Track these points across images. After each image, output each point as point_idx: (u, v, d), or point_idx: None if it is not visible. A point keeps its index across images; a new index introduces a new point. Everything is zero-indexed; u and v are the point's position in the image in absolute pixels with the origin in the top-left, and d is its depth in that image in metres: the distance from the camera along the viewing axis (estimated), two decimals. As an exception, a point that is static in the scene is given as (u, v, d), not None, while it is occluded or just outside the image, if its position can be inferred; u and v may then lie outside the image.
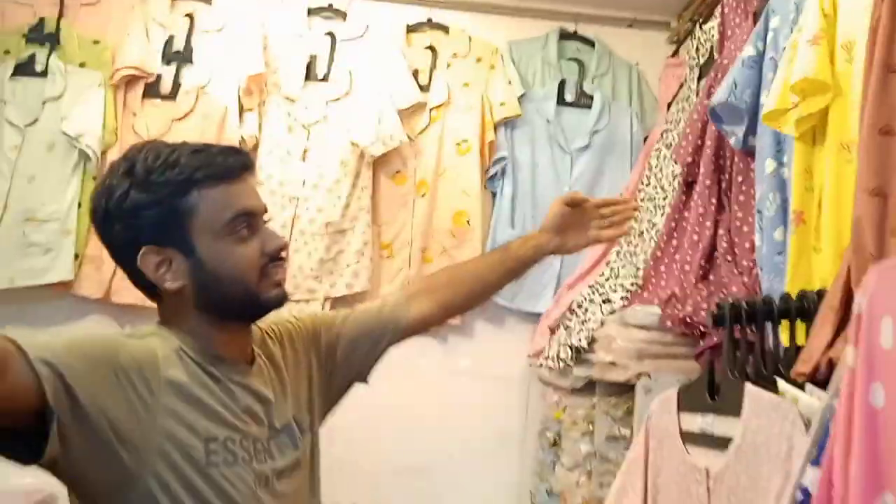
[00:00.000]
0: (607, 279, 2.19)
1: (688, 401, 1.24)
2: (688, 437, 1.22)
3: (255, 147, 2.57)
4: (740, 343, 1.21)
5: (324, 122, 2.58)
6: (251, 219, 1.03)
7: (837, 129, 1.36)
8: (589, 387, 1.87)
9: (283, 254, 1.07)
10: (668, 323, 1.51)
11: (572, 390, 1.98)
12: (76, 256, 2.41)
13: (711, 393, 1.17)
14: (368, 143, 2.52)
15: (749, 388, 1.06)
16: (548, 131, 2.65)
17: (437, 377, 2.60)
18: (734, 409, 1.09)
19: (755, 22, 1.86)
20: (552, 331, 2.23)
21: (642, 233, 2.23)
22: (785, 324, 1.18)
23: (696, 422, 1.20)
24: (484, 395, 2.59)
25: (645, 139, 2.65)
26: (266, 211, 1.07)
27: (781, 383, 1.05)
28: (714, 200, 1.82)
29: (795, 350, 1.12)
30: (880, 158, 1.11)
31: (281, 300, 1.06)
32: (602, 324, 1.74)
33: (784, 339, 1.18)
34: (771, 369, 1.12)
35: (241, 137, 2.53)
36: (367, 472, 2.47)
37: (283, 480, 1.03)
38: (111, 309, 2.44)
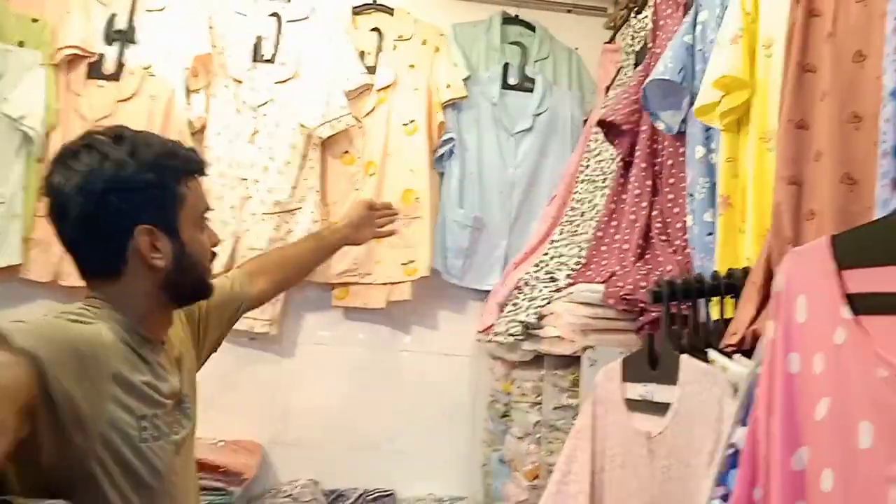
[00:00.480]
0: (552, 258, 2.30)
1: (631, 371, 1.35)
2: (631, 405, 1.34)
3: (203, 129, 2.58)
4: (676, 318, 1.33)
5: (271, 103, 2.60)
6: (208, 209, 1.18)
7: (758, 122, 1.49)
8: (536, 360, 1.99)
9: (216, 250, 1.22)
10: (610, 300, 1.62)
11: (521, 363, 2.10)
12: (24, 241, 2.39)
13: (652, 364, 1.29)
14: (316, 125, 2.56)
15: (683, 357, 1.18)
16: (493, 114, 2.73)
17: (388, 354, 2.69)
18: (672, 377, 1.21)
19: (685, 13, 1.99)
20: (501, 308, 2.34)
21: (584, 213, 2.35)
22: (715, 300, 1.30)
23: (638, 390, 1.32)
24: (434, 370, 2.69)
25: (585, 121, 2.77)
26: (202, 210, 1.18)
27: (712, 353, 1.17)
28: (649, 182, 1.94)
29: (724, 324, 1.24)
30: (796, 150, 1.23)
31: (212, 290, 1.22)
32: (549, 301, 1.85)
33: (714, 313, 1.31)
34: (703, 341, 1.24)
35: (189, 120, 2.53)
36: (324, 448, 2.55)
37: (184, 450, 1.14)
38: (58, 292, 2.42)
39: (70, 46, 2.48)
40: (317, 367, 2.62)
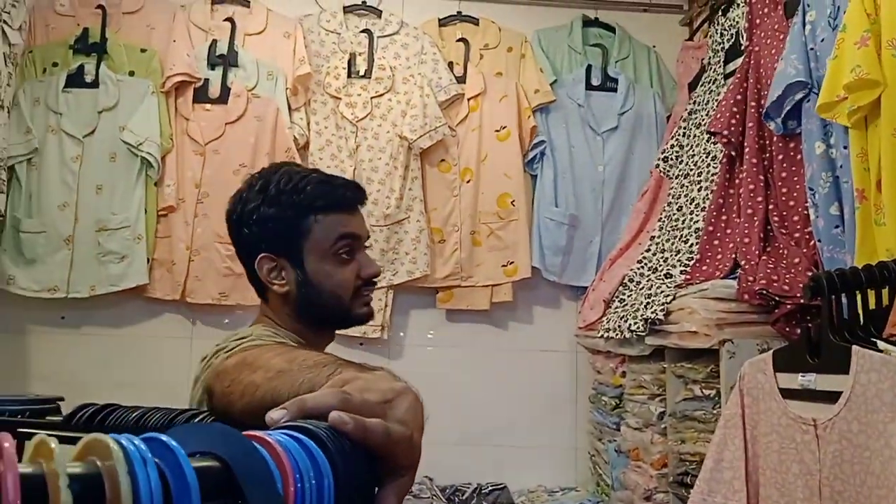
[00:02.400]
0: (654, 253, 2.38)
1: (785, 362, 1.43)
2: (787, 394, 1.42)
3: (306, 145, 2.69)
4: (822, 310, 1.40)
5: (370, 117, 2.70)
6: (353, 243, 1.20)
7: (890, 117, 1.55)
8: (654, 353, 2.07)
9: (376, 279, 1.26)
10: (745, 296, 1.70)
11: (634, 357, 2.18)
12: (148, 261, 2.52)
13: (811, 354, 1.37)
14: (416, 137, 2.66)
15: (856, 348, 1.25)
16: (579, 114, 2.81)
17: (491, 353, 2.79)
18: (839, 367, 1.29)
19: (785, 12, 2.05)
20: (606, 304, 2.42)
21: (681, 207, 2.42)
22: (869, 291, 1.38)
23: (796, 380, 1.40)
24: (534, 366, 2.79)
25: (668, 117, 2.84)
26: (368, 237, 1.26)
27: (881, 343, 1.25)
28: (762, 178, 2.01)
29: (883, 313, 1.32)
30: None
31: (367, 317, 1.25)
32: (673, 297, 1.93)
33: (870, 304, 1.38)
34: (864, 332, 1.31)
35: (294, 137, 2.64)
36: (436, 446, 2.63)
37: None
38: (184, 309, 2.56)
39: (177, 74, 2.61)
40: (424, 368, 2.73)
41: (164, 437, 0.44)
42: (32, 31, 2.65)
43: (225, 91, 2.65)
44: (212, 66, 2.68)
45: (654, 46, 2.97)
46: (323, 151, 2.69)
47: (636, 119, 2.83)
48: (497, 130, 2.76)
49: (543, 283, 2.79)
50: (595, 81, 2.86)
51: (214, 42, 2.69)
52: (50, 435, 0.43)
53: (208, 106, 2.65)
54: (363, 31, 2.78)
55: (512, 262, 2.70)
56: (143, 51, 2.65)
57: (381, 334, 2.63)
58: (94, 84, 2.58)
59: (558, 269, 2.71)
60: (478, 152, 2.75)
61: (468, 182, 2.74)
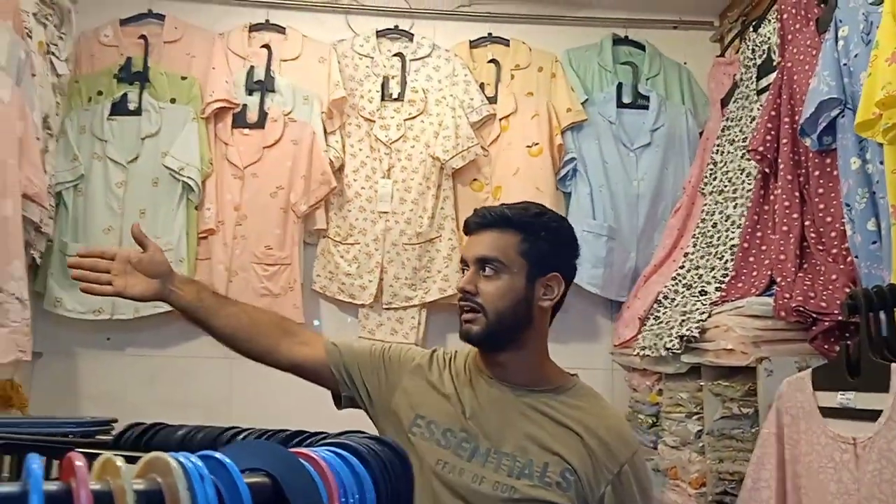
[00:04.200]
0: (688, 270, 2.37)
1: (823, 380, 1.42)
2: (826, 412, 1.41)
3: (342, 167, 2.74)
4: (858, 328, 1.39)
5: (403, 139, 2.75)
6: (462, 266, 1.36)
7: (925, 134, 1.54)
8: (690, 371, 2.06)
9: (462, 294, 1.31)
10: (781, 313, 1.69)
11: (671, 375, 2.17)
12: (190, 282, 2.59)
13: (850, 372, 1.35)
14: (448, 158, 2.69)
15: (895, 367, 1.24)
16: (612, 131, 2.82)
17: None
18: (878, 385, 1.28)
19: (817, 27, 2.04)
20: (641, 321, 2.41)
21: (716, 224, 2.41)
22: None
23: (835, 398, 1.38)
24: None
25: (700, 133, 2.83)
26: (464, 260, 1.34)
27: (921, 361, 1.24)
28: (797, 193, 2.00)
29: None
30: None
31: (461, 335, 1.33)
32: (709, 314, 1.92)
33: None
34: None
35: (330, 160, 2.69)
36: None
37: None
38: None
39: (217, 100, 2.68)
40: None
41: (218, 455, 0.46)
42: (78, 62, 2.75)
43: (262, 116, 2.72)
44: (249, 91, 2.75)
45: (684, 63, 2.98)
46: (357, 173, 2.74)
47: (668, 136, 2.83)
48: (529, 146, 2.77)
49: (577, 300, 2.78)
50: (626, 99, 2.87)
51: (252, 68, 2.77)
52: (94, 453, 0.46)
53: (246, 131, 2.72)
54: (396, 55, 2.84)
55: (545, 277, 2.70)
56: (183, 78, 2.73)
57: (416, 352, 2.66)
58: (138, 111, 2.67)
59: (600, 282, 2.70)
60: (509, 169, 2.77)
61: (498, 199, 2.76)
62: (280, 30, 2.83)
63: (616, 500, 1.23)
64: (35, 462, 0.38)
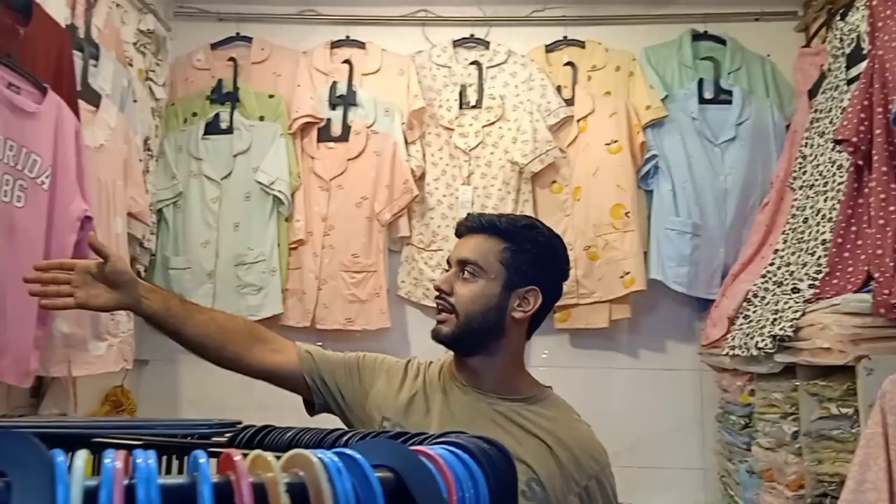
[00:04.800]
0: (779, 267, 2.31)
1: (929, 378, 1.37)
2: (933, 411, 1.36)
3: (423, 176, 2.81)
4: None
5: (482, 146, 2.79)
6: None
7: None
8: (784, 371, 2.01)
9: (437, 291, 1.33)
10: (881, 310, 1.64)
11: (763, 375, 2.12)
12: (282, 291, 2.71)
13: (958, 370, 1.31)
14: (527, 162, 2.72)
15: None
16: (694, 127, 2.77)
17: (612, 372, 2.79)
18: None
19: (910, 12, 1.96)
20: (731, 321, 2.37)
21: (807, 219, 2.34)
22: None
23: (942, 396, 1.34)
24: (657, 385, 2.76)
25: (787, 126, 2.75)
26: (450, 262, 1.35)
27: None
28: (893, 186, 1.93)
29: None
30: None
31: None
32: (803, 313, 1.88)
33: None
34: None
35: (411, 169, 2.76)
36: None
37: None
38: (314, 335, 2.73)
39: (302, 116, 2.79)
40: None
41: (350, 452, 0.51)
42: (174, 86, 2.92)
43: (346, 129, 2.81)
44: (333, 106, 2.85)
45: (768, 55, 2.90)
46: (438, 181, 2.80)
47: (754, 130, 2.76)
48: (608, 144, 2.77)
49: (664, 300, 2.76)
50: (708, 95, 2.82)
51: (334, 84, 2.86)
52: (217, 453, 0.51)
53: (331, 144, 2.81)
54: (472, 63, 2.88)
55: (628, 273, 2.68)
56: (270, 97, 2.86)
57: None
58: (229, 130, 2.81)
59: (685, 280, 2.66)
60: (588, 169, 2.77)
61: (579, 201, 2.77)
62: (360, 45, 2.92)
63: None
64: (202, 456, 0.44)
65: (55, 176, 1.94)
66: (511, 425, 1.27)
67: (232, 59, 2.91)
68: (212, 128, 2.82)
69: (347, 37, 2.94)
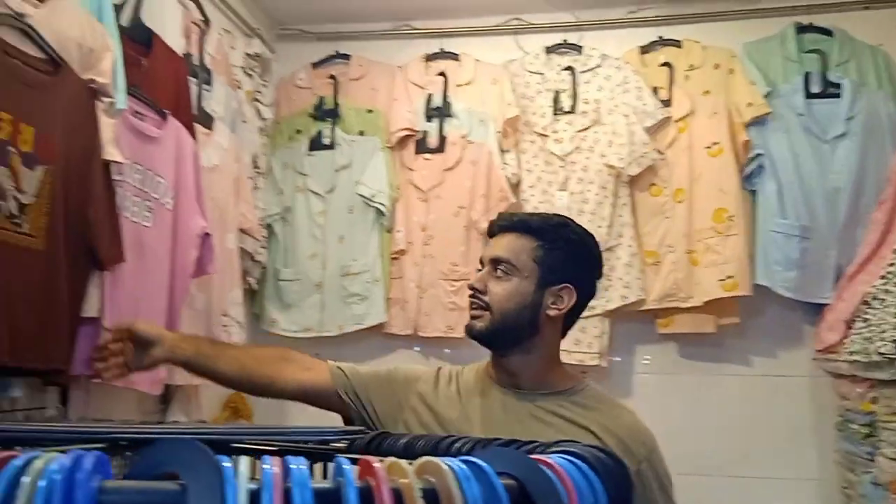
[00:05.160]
0: (899, 267, 2.20)
1: None
2: None
3: (518, 184, 2.83)
4: None
5: (577, 151, 2.78)
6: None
7: None
8: (908, 377, 1.91)
9: (471, 289, 1.36)
10: None
11: (886, 381, 2.02)
12: (385, 301, 2.79)
13: None
14: (624, 165, 2.69)
15: None
16: (801, 123, 2.67)
17: (719, 378, 2.71)
18: None
19: None
20: (847, 325, 2.26)
21: (929, 216, 2.21)
22: None
23: None
24: (768, 392, 2.66)
25: (904, 119, 2.60)
26: (482, 261, 1.38)
27: None
28: None
29: None
30: None
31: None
32: (928, 315, 1.78)
33: None
34: None
35: (507, 177, 2.78)
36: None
37: None
38: (416, 343, 2.80)
39: (400, 129, 2.87)
40: (649, 396, 2.72)
41: (476, 460, 0.54)
42: (279, 105, 3.06)
43: (442, 140, 2.87)
44: (429, 118, 2.91)
45: (880, 45, 2.75)
46: (534, 188, 2.81)
47: (866, 124, 2.62)
48: (708, 147, 2.70)
49: (773, 304, 2.66)
50: (815, 89, 2.70)
51: (430, 96, 2.93)
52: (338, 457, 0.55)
53: (428, 155, 2.88)
54: (566, 69, 2.88)
55: (731, 277, 2.60)
56: (369, 112, 2.95)
57: (600, 362, 2.66)
58: (332, 146, 2.92)
59: (793, 284, 2.56)
60: (689, 171, 2.71)
61: (680, 202, 2.71)
62: (454, 57, 2.97)
63: (637, 498, 1.19)
64: (346, 463, 0.48)
65: (177, 196, 2.08)
66: (554, 418, 1.28)
67: (332, 76, 3.02)
68: (315, 144, 2.94)
69: (441, 49, 3.00)
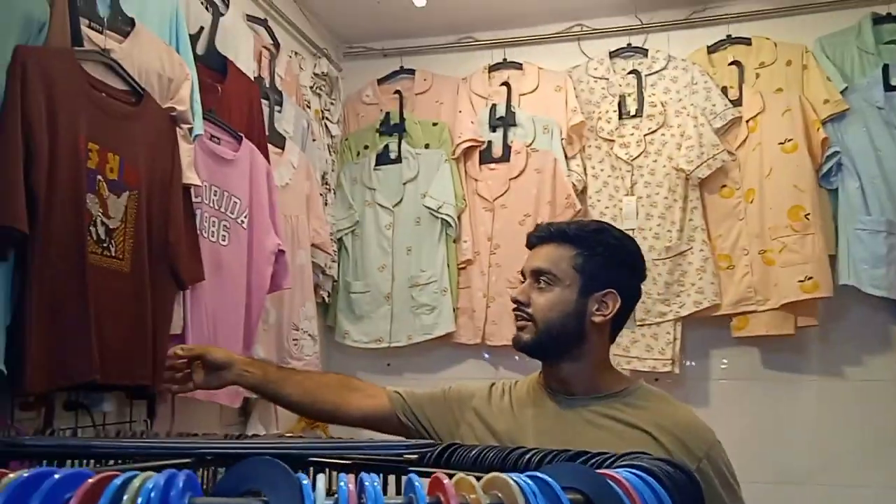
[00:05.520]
0: None
1: None
2: None
3: (584, 190, 2.81)
4: None
5: (644, 155, 2.75)
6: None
7: None
8: None
9: (515, 303, 1.36)
10: None
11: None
12: (454, 310, 2.82)
13: None
14: (693, 168, 2.64)
15: None
16: (881, 117, 2.56)
17: (798, 383, 2.63)
18: None
19: None
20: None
21: None
22: None
23: None
24: (850, 398, 2.57)
25: None
26: (524, 274, 1.37)
27: None
28: None
29: None
30: None
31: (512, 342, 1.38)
32: None
33: None
34: None
35: (573, 184, 2.78)
36: (750, 482, 2.54)
37: None
38: (484, 352, 2.81)
39: (465, 140, 2.90)
40: (725, 402, 2.65)
41: (543, 475, 0.55)
42: (347, 122, 3.14)
43: (506, 150, 2.88)
44: (493, 128, 2.93)
45: (964, 30, 2.62)
46: (600, 193, 2.79)
47: (956, 114, 2.51)
48: (781, 143, 2.62)
49: (854, 305, 2.56)
50: (895, 81, 2.59)
51: (494, 106, 2.95)
52: (409, 470, 0.56)
53: (493, 165, 2.90)
54: (631, 73, 2.85)
55: (811, 278, 2.51)
56: (434, 124, 2.99)
57: (672, 368, 2.61)
58: (398, 160, 2.98)
59: (882, 282, 2.45)
60: (760, 168, 2.64)
61: (752, 202, 2.64)
62: (517, 66, 2.99)
63: None
64: (417, 480, 0.50)
65: (251, 215, 2.16)
66: (607, 421, 1.28)
67: (397, 91, 3.08)
68: (382, 158, 3.00)
69: (504, 59, 3.02)
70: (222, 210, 2.06)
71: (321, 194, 2.83)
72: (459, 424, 1.40)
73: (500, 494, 0.53)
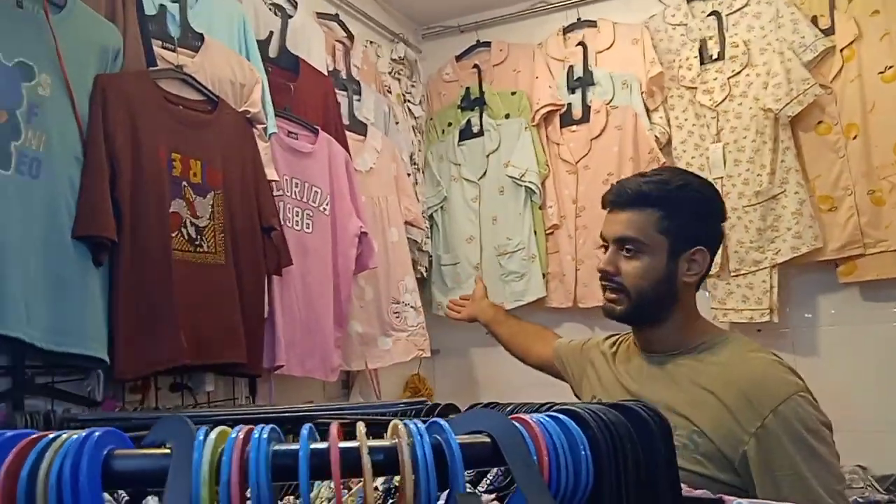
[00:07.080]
0: None
1: None
2: None
3: (669, 142, 2.74)
4: None
5: (729, 99, 2.63)
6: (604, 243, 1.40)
7: None
8: None
9: (602, 274, 1.35)
10: None
11: None
12: (543, 276, 2.85)
13: None
14: (782, 106, 2.50)
15: None
16: None
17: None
18: None
19: None
20: None
21: None
22: None
23: None
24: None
25: None
26: (605, 238, 1.35)
27: None
28: None
29: None
30: None
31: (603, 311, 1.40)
32: None
33: None
34: None
35: (655, 137, 2.71)
36: (864, 433, 2.40)
37: None
38: (578, 315, 2.83)
39: (544, 106, 2.90)
40: (834, 350, 2.52)
41: (439, 420, 0.62)
42: (430, 102, 3.22)
43: (586, 110, 2.85)
44: (571, 90, 2.91)
45: None
46: (685, 143, 2.70)
47: None
48: (881, 72, 2.42)
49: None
50: None
51: (571, 68, 2.92)
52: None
53: (573, 127, 2.88)
54: (710, 15, 2.72)
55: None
56: (513, 94, 3.01)
57: (770, 317, 2.50)
58: (480, 133, 3.03)
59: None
60: (862, 103, 2.45)
61: (854, 138, 2.46)
62: (592, 24, 2.93)
63: (762, 453, 1.12)
64: (307, 428, 0.58)
65: (333, 202, 2.31)
66: (677, 381, 1.28)
67: (476, 66, 3.12)
68: (465, 133, 3.07)
69: (579, 19, 2.97)
70: (304, 200, 2.22)
71: (410, 174, 2.94)
72: (585, 370, 1.54)
73: (395, 439, 0.60)
